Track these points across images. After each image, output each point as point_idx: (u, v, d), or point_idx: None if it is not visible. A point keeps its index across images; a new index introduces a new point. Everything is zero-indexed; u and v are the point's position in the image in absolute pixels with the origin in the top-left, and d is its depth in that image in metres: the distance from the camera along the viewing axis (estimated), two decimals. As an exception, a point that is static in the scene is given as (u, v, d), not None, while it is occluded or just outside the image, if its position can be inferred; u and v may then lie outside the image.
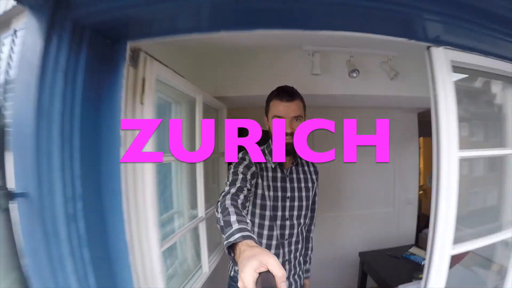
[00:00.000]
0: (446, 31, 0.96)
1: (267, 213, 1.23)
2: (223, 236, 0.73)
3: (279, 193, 1.25)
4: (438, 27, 0.95)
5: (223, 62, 1.84)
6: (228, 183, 1.06)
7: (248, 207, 1.07)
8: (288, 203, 1.26)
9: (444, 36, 0.97)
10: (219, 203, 0.91)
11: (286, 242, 1.27)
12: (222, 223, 0.78)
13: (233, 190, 0.99)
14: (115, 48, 0.95)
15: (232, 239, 0.68)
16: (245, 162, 1.17)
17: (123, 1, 0.80)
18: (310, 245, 1.44)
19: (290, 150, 1.15)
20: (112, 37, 0.94)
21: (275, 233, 1.25)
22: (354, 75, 1.66)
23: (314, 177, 1.37)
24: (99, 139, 0.94)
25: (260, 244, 1.22)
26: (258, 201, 1.23)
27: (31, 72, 0.78)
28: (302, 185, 1.30)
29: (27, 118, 0.78)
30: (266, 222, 1.24)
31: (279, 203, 1.24)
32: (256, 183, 1.22)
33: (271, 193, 1.24)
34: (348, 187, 2.81)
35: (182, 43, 1.50)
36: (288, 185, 1.27)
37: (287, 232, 1.27)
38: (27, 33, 0.78)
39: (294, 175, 1.29)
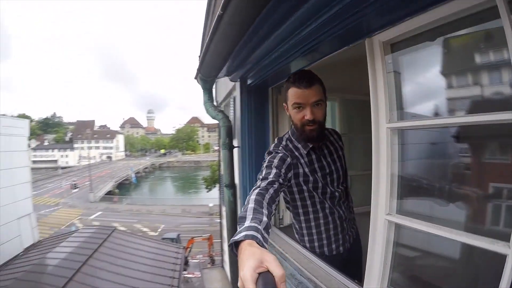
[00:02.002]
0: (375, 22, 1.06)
1: (316, 194, 1.25)
2: None
3: (320, 173, 1.25)
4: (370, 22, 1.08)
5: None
6: (260, 177, 1.06)
7: (278, 201, 1.02)
8: (329, 178, 1.27)
9: (375, 25, 1.07)
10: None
11: (337, 206, 1.30)
12: (238, 218, 0.80)
13: (263, 185, 0.99)
14: (266, 89, 2.28)
15: (236, 237, 0.68)
16: (280, 154, 1.16)
17: (262, 78, 2.11)
18: (350, 197, 1.42)
19: (316, 137, 1.18)
20: (264, 84, 2.27)
21: (327, 204, 1.28)
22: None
23: (339, 144, 1.36)
24: (262, 125, 2.35)
25: (317, 215, 1.29)
26: (305, 187, 1.23)
27: (238, 105, 2.36)
28: (335, 156, 1.31)
29: (238, 119, 2.37)
30: (317, 200, 1.27)
31: (323, 182, 1.25)
32: (297, 173, 1.21)
33: (314, 177, 1.24)
34: None
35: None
36: (324, 162, 1.27)
37: (336, 200, 1.29)
38: (237, 92, 2.37)
39: (325, 151, 1.29)
